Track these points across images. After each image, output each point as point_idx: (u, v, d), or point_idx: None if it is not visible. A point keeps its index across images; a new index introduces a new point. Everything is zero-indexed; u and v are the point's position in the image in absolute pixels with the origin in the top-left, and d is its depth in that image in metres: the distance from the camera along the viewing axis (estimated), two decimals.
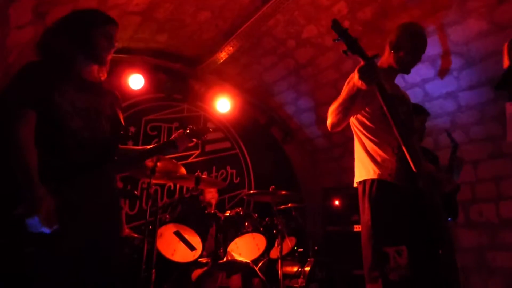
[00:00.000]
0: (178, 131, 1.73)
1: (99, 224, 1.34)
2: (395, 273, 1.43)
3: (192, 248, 2.33)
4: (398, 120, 1.49)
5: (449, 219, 2.54)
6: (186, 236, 2.35)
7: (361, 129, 1.72)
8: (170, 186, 3.83)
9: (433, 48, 3.02)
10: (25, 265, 1.19)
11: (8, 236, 1.20)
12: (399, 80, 3.39)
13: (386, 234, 1.51)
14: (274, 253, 2.85)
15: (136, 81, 3.62)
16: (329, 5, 2.99)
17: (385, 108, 1.52)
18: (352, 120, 1.76)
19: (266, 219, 3.00)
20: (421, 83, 3.29)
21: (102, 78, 1.52)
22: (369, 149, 1.67)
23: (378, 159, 1.62)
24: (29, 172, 1.20)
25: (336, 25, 1.52)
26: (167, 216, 2.43)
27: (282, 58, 3.78)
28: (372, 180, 1.60)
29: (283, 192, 2.82)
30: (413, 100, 3.30)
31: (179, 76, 4.06)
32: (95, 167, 1.35)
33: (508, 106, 2.33)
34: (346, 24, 3.13)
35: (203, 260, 2.43)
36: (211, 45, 3.65)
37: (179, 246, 2.36)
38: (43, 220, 1.16)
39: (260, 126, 4.68)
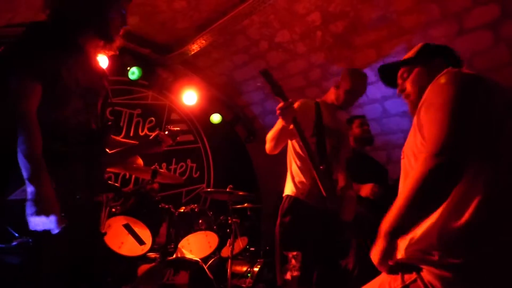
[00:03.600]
0: (158, 132, 1.67)
1: (88, 217, 1.27)
2: (289, 273, 1.72)
3: (141, 242, 2.27)
4: (312, 154, 1.81)
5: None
6: (136, 230, 2.29)
7: (292, 153, 2.04)
8: (125, 175, 3.70)
9: None
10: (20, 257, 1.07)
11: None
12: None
13: (290, 240, 1.84)
14: (225, 252, 2.87)
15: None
16: (304, 14, 3.04)
17: (301, 142, 1.84)
18: (289, 144, 2.07)
19: (221, 217, 3.01)
20: (381, 99, 3.47)
21: (109, 55, 1.40)
22: (293, 171, 2.02)
23: (297, 180, 1.96)
24: (38, 158, 1.05)
25: (266, 74, 1.78)
26: (118, 207, 2.35)
27: (254, 59, 3.79)
28: (289, 196, 1.96)
29: (241, 193, 2.84)
30: (372, 115, 3.52)
31: (147, 61, 3.92)
32: (90, 154, 1.25)
33: None
34: (318, 34, 3.21)
35: (152, 255, 2.39)
36: (184, 35, 3.57)
37: (127, 239, 2.29)
38: (58, 220, 1.04)
39: (225, 122, 4.66)
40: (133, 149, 1.59)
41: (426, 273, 0.89)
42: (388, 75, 1.30)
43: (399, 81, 1.25)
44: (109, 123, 1.38)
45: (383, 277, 1.00)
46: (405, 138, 3.73)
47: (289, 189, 1.99)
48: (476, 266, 0.84)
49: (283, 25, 3.24)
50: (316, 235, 1.83)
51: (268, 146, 1.95)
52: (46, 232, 1.07)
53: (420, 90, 1.13)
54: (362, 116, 2.95)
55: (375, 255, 0.96)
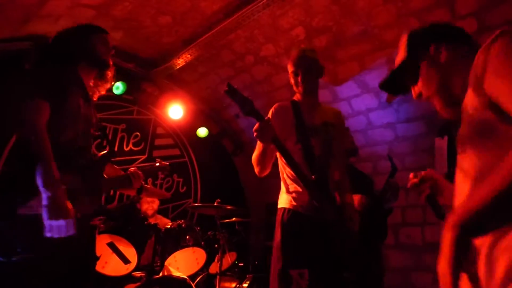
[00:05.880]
0: (135, 169, 1.73)
1: (86, 238, 1.38)
2: None
3: (126, 261, 2.20)
4: (299, 170, 1.66)
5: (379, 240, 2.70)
6: (121, 248, 2.21)
7: (284, 164, 1.85)
8: (109, 192, 3.61)
9: (377, 80, 3.27)
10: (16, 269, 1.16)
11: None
12: (345, 107, 3.63)
13: (292, 257, 1.64)
14: (214, 268, 2.81)
15: None
16: (288, 29, 3.10)
17: (283, 161, 1.70)
18: (278, 156, 1.88)
19: (209, 232, 2.95)
20: (365, 112, 3.53)
21: (99, 93, 1.61)
22: (288, 182, 1.84)
23: (294, 192, 1.79)
24: (52, 166, 1.15)
25: (231, 91, 1.59)
26: (102, 225, 2.28)
27: (239, 72, 3.82)
28: (286, 209, 1.77)
29: (228, 207, 2.81)
30: (357, 127, 3.57)
31: (132, 76, 3.90)
32: (89, 178, 1.38)
33: (436, 140, 2.60)
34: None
35: (137, 274, 2.31)
36: (169, 50, 3.57)
37: (111, 258, 2.21)
38: (71, 224, 1.13)
39: (212, 136, 4.64)
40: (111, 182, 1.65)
41: None
42: (392, 85, 1.12)
43: (410, 87, 1.07)
44: (106, 150, 1.56)
45: None
46: (390, 150, 3.76)
47: (285, 200, 1.81)
48: None
49: (268, 39, 3.29)
50: (320, 249, 1.66)
51: (256, 170, 1.81)
52: (46, 248, 1.14)
53: (441, 84, 0.96)
54: (346, 128, 2.99)
55: (442, 261, 0.72)
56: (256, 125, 1.57)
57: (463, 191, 0.83)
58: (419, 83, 1.02)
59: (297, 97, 1.93)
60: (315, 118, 1.86)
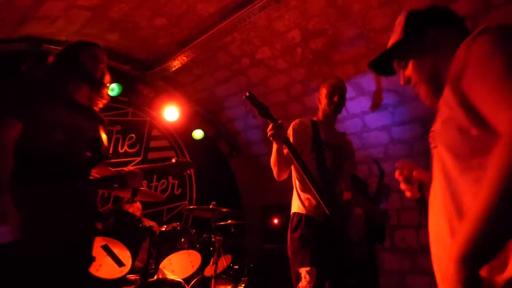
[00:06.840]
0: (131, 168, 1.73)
1: (66, 239, 1.38)
2: None
3: (120, 263, 2.18)
4: (308, 173, 1.82)
5: (376, 242, 2.71)
6: (115, 251, 2.20)
7: (296, 174, 2.06)
8: (103, 193, 3.58)
9: (373, 83, 3.29)
10: None
11: None
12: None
13: (301, 256, 1.81)
14: (209, 271, 2.79)
15: None
16: (284, 31, 3.11)
17: (295, 163, 1.84)
18: (292, 167, 2.06)
19: (204, 235, 2.94)
20: (361, 114, 3.54)
21: (96, 107, 1.68)
22: (299, 189, 2.02)
23: (304, 198, 1.97)
24: (1, 178, 1.24)
25: (251, 98, 1.86)
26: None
27: (235, 75, 3.82)
28: (297, 213, 1.96)
29: (224, 209, 2.80)
30: (352, 129, 3.59)
31: (127, 78, 3.88)
32: (67, 182, 1.43)
33: None
34: (298, 51, 3.28)
35: (132, 277, 2.29)
36: (165, 51, 3.57)
37: (105, 261, 2.19)
38: (8, 231, 1.19)
39: (207, 138, 4.63)
40: (96, 182, 1.66)
41: None
42: (381, 65, 1.09)
43: (398, 70, 1.03)
44: (102, 153, 1.63)
45: None
46: (385, 152, 3.78)
47: (296, 206, 1.99)
48: None
49: (264, 42, 3.30)
50: (328, 253, 1.79)
51: (274, 172, 1.97)
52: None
53: (432, 72, 0.92)
54: (343, 133, 3.01)
55: None
56: (270, 126, 1.77)
57: (437, 189, 0.83)
58: (410, 67, 0.97)
59: (317, 117, 2.14)
60: (330, 137, 2.07)
